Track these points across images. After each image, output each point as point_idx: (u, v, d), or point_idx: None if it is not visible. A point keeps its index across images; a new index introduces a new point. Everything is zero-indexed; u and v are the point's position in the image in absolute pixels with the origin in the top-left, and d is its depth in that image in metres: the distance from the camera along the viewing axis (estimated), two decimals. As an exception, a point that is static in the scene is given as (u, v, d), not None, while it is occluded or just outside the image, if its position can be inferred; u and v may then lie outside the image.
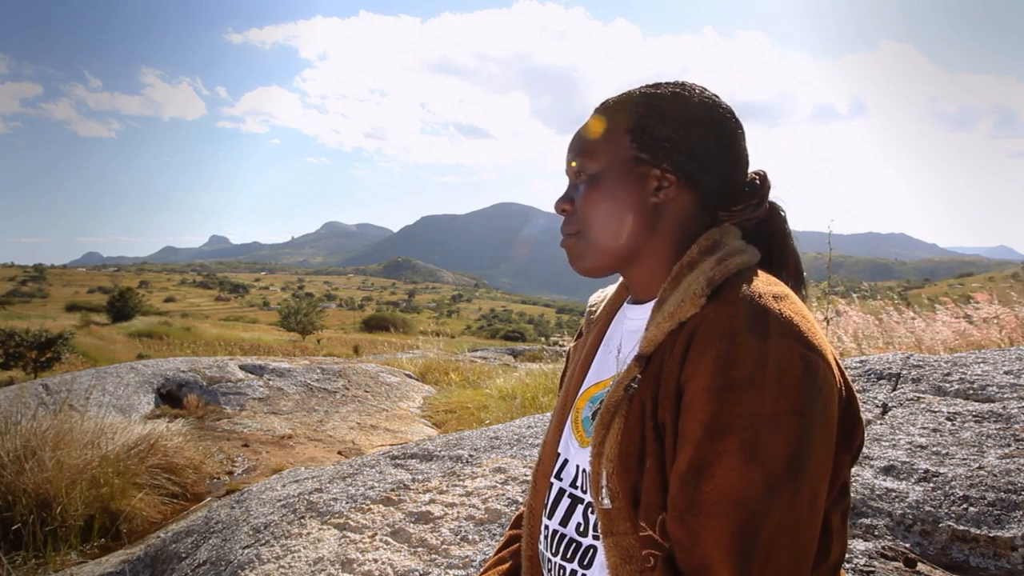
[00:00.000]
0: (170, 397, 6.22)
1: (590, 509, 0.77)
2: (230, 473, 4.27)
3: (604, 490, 0.71)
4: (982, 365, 2.53)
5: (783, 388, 0.60)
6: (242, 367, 7.02)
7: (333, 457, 4.58)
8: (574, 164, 0.82)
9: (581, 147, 0.82)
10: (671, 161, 0.76)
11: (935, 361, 2.70)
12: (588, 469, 0.75)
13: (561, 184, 0.85)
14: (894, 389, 2.48)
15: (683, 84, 0.81)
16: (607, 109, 0.82)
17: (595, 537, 0.75)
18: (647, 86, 0.82)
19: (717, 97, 0.80)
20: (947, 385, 2.38)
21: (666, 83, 0.81)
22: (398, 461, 2.92)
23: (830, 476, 0.65)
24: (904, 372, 2.61)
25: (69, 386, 5.57)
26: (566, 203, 0.82)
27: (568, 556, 0.77)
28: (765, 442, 0.59)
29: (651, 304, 0.78)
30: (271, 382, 6.68)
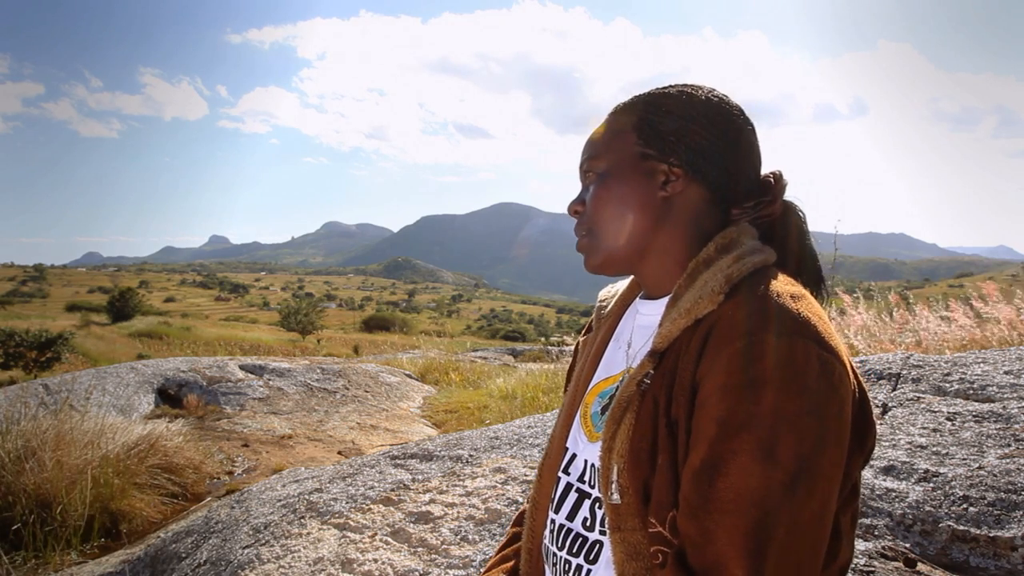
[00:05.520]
0: (170, 397, 6.22)
1: (597, 504, 0.77)
2: (230, 473, 4.27)
3: (614, 485, 0.71)
4: (982, 365, 2.53)
5: (800, 388, 0.60)
6: (242, 367, 7.02)
7: (333, 457, 4.58)
8: (584, 163, 0.83)
9: (590, 150, 0.83)
10: (677, 155, 0.77)
11: (935, 361, 2.70)
12: (597, 464, 0.75)
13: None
14: (894, 389, 2.48)
15: (690, 85, 0.81)
16: (615, 112, 0.83)
17: (602, 532, 0.75)
18: (654, 88, 0.82)
19: (726, 96, 0.80)
20: (947, 385, 2.38)
21: (673, 85, 0.82)
22: (398, 461, 2.92)
23: (842, 478, 0.65)
24: (904, 372, 2.61)
25: (69, 386, 5.57)
26: (578, 204, 0.84)
27: (574, 551, 0.78)
28: (781, 441, 0.59)
29: (664, 300, 0.78)
30: (271, 382, 6.68)
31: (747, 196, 0.79)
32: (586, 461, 0.80)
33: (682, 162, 0.77)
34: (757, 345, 0.62)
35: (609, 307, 0.93)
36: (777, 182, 0.81)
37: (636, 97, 0.82)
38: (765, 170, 0.83)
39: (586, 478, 0.80)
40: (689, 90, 0.80)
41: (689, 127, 0.77)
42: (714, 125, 0.77)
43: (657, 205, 0.77)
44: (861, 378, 0.70)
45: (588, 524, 0.77)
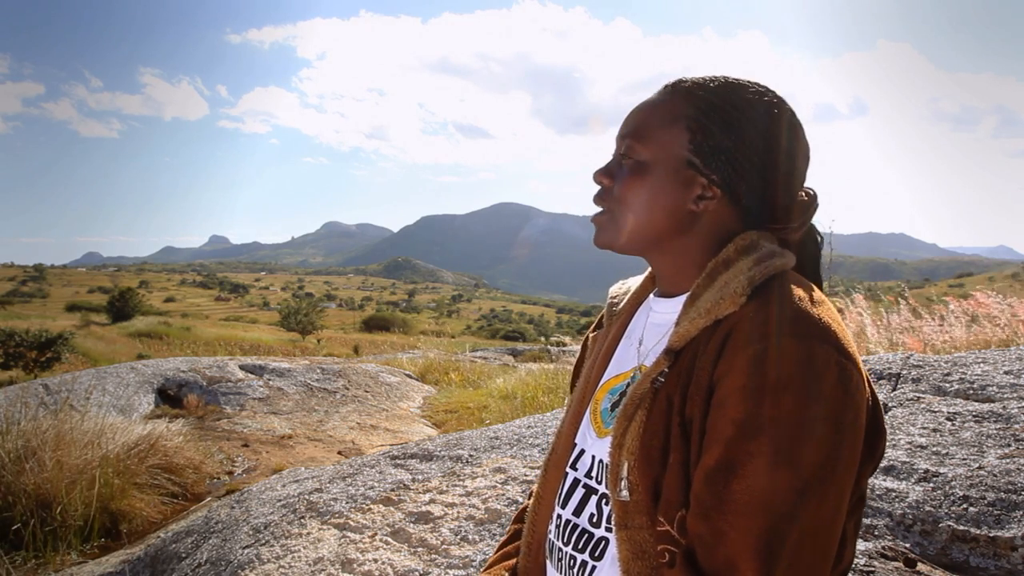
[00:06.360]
0: (170, 397, 6.22)
1: (604, 500, 0.76)
2: (230, 473, 4.28)
3: (623, 482, 0.70)
4: (982, 365, 2.53)
5: (818, 393, 0.60)
6: (242, 367, 7.02)
7: (333, 457, 4.58)
8: (625, 139, 0.78)
9: (637, 125, 0.78)
10: (721, 175, 0.74)
11: (935, 361, 2.70)
12: (606, 460, 0.74)
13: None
14: (894, 389, 2.48)
15: (766, 92, 0.76)
16: (677, 91, 0.77)
17: (608, 529, 0.75)
18: (729, 80, 0.76)
19: (795, 115, 0.77)
20: (947, 385, 2.38)
21: (750, 84, 0.77)
22: (398, 461, 2.92)
23: (853, 484, 0.66)
24: (904, 372, 2.61)
25: (69, 386, 5.57)
26: (605, 177, 0.79)
27: (579, 547, 0.78)
28: (797, 446, 0.59)
29: (680, 298, 0.78)
30: (271, 382, 6.68)
31: (777, 219, 0.77)
32: (594, 457, 0.80)
33: (722, 182, 0.74)
34: (777, 348, 0.62)
35: (622, 304, 0.92)
36: (810, 205, 0.79)
37: (703, 84, 0.76)
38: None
39: (594, 474, 0.80)
40: (760, 100, 0.75)
41: (743, 151, 0.73)
42: (771, 152, 0.74)
43: (684, 215, 0.75)
44: (873, 385, 0.70)
45: (595, 520, 0.77)
